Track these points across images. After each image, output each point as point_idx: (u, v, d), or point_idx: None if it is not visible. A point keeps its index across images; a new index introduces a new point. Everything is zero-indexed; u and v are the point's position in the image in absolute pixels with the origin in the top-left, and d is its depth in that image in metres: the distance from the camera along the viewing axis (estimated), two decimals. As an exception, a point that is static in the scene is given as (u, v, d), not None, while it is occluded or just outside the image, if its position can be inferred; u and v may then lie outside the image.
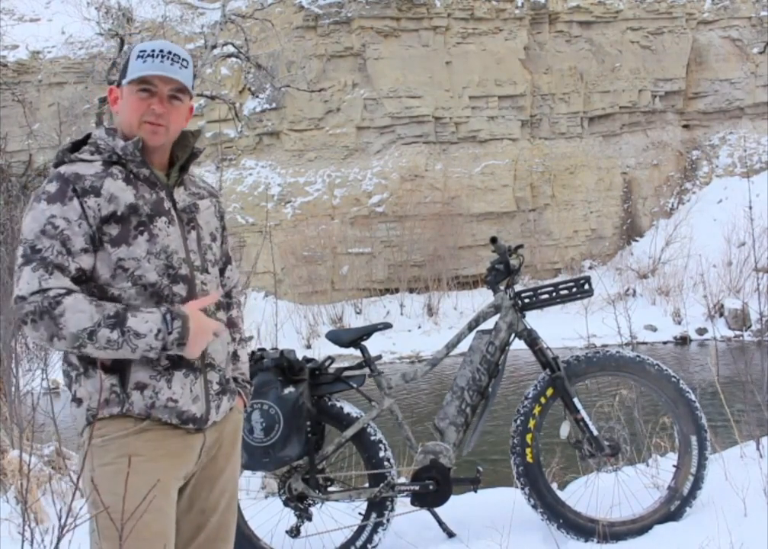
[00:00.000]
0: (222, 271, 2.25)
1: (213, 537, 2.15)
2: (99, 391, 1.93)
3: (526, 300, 3.48)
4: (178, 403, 1.99)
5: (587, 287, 3.50)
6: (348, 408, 3.40)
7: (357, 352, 3.46)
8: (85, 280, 1.95)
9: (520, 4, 16.37)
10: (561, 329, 9.76)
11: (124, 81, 2.04)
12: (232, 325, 2.26)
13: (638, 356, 3.43)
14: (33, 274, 1.88)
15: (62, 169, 1.99)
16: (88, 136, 2.10)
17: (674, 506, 3.34)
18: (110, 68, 12.63)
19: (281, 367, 3.23)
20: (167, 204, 2.04)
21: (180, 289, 2.01)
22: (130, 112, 2.03)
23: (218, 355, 2.09)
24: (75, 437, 2.08)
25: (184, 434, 2.02)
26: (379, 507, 3.36)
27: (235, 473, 2.21)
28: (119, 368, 1.96)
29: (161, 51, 2.03)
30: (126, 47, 12.78)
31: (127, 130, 2.05)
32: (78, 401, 2.00)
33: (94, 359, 1.96)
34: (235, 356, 2.26)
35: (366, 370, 3.43)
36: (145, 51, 2.03)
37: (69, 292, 1.88)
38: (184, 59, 2.06)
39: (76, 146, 2.07)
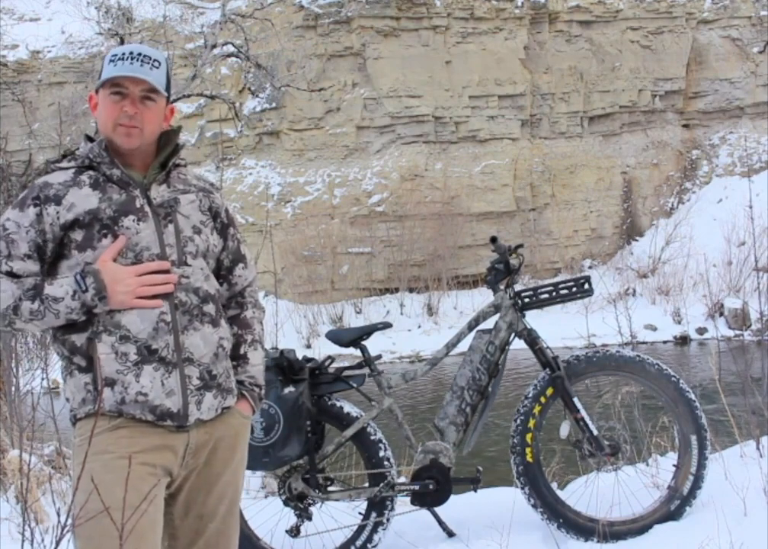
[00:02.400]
0: (231, 270, 2.23)
1: (213, 544, 2.12)
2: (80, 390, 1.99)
3: (526, 300, 3.48)
4: (148, 397, 1.97)
5: (586, 286, 3.50)
6: (348, 407, 3.40)
7: (357, 352, 3.46)
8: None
9: (519, 4, 16.37)
10: (561, 328, 9.79)
11: (96, 86, 2.08)
12: (244, 325, 2.23)
13: (638, 355, 3.43)
14: None
15: (39, 179, 2.07)
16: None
17: (674, 506, 3.34)
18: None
19: (281, 367, 3.23)
20: (139, 202, 2.05)
21: None
22: (105, 116, 2.06)
23: (197, 350, 2.04)
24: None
25: (163, 432, 1.99)
26: (379, 506, 3.36)
27: (235, 479, 2.17)
28: (92, 367, 1.98)
29: (131, 53, 2.06)
30: (125, 47, 12.76)
31: (104, 133, 2.08)
32: (67, 401, 2.05)
33: (75, 360, 2.00)
34: (243, 358, 2.21)
35: (366, 370, 3.43)
36: (116, 55, 2.07)
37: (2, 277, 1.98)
38: (155, 60, 2.07)
39: (64, 157, 2.12)
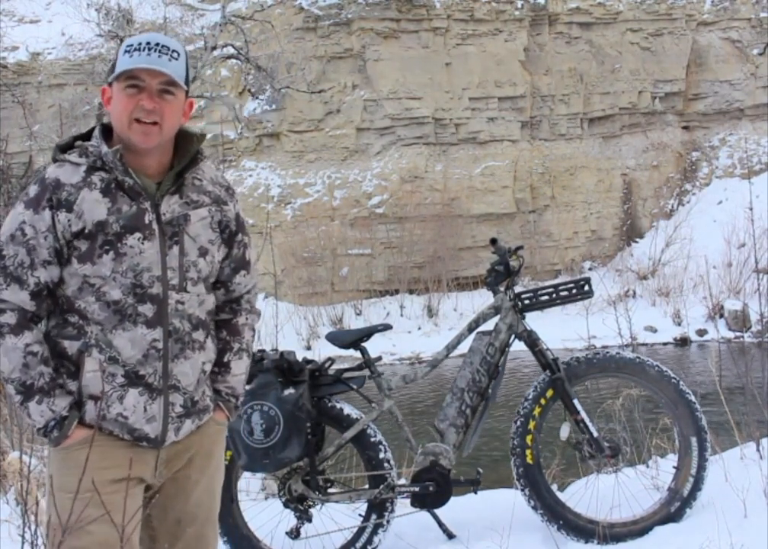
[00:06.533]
0: (231, 277, 2.15)
1: (193, 548, 2.12)
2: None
3: (526, 302, 3.48)
4: (128, 420, 1.95)
5: (587, 288, 3.51)
6: (348, 409, 3.40)
7: (357, 354, 3.46)
8: (49, 292, 1.96)
9: (519, 6, 16.37)
10: (561, 330, 9.75)
11: (111, 78, 1.98)
12: (234, 332, 2.17)
13: (638, 357, 3.43)
14: None
15: (48, 172, 1.96)
16: (92, 130, 2.03)
17: (674, 507, 3.34)
18: (110, 69, 12.61)
19: (281, 369, 3.23)
20: (148, 217, 1.95)
21: (147, 309, 1.95)
22: (120, 110, 1.95)
23: (185, 378, 2.00)
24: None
25: (135, 446, 1.98)
26: (379, 508, 3.36)
27: (212, 486, 2.15)
28: (78, 376, 1.95)
29: (148, 43, 1.93)
30: (126, 49, 12.78)
31: (119, 130, 1.97)
32: None
33: (65, 363, 1.96)
34: (226, 366, 2.15)
35: (366, 372, 3.43)
36: (132, 45, 1.95)
37: (20, 327, 1.90)
38: (174, 51, 1.95)
39: (70, 144, 2.01)
